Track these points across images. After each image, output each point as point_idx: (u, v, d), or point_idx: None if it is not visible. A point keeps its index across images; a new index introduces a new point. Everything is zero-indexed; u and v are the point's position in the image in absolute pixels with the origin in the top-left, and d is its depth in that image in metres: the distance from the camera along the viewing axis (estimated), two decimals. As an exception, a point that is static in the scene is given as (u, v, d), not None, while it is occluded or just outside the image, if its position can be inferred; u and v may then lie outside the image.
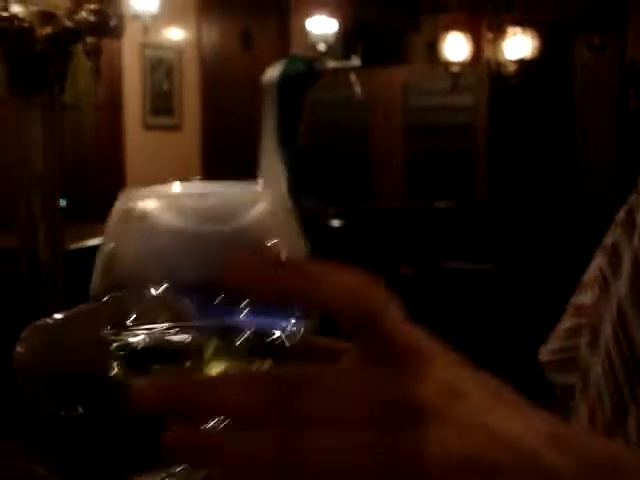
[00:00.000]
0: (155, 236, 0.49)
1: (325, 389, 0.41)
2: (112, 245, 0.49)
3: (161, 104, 5.95)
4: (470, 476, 0.40)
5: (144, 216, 0.49)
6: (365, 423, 0.40)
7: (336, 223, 4.66)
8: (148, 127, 5.86)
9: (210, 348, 0.48)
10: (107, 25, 1.37)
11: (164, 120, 5.93)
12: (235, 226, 0.51)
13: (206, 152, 6.17)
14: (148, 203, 0.51)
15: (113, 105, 5.49)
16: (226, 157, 5.85)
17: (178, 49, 6.07)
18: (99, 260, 0.50)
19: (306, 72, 2.28)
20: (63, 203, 1.44)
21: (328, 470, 0.40)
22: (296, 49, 6.26)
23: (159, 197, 0.53)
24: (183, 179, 0.53)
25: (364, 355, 0.42)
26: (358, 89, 3.62)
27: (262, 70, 2.03)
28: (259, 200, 0.52)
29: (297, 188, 3.83)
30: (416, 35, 6.81)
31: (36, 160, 1.42)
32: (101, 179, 5.12)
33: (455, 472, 0.39)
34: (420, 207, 5.56)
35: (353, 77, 3.43)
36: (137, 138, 5.78)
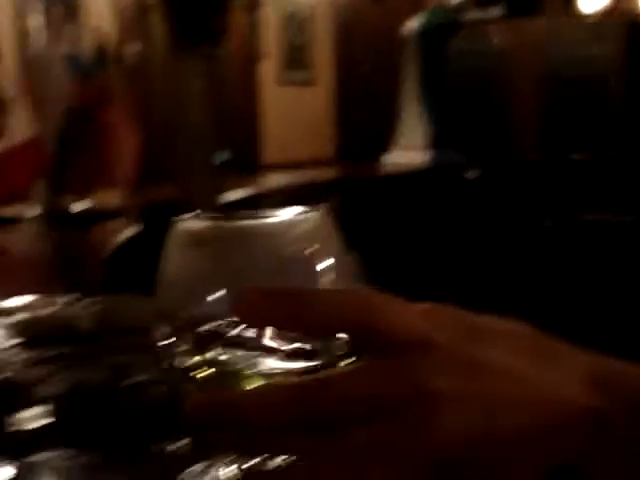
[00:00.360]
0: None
1: (338, 391, 0.43)
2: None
3: (295, 59, 6.00)
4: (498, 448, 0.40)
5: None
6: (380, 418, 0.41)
7: (474, 175, 4.62)
8: (282, 82, 5.92)
9: None
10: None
11: (298, 75, 5.99)
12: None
13: (340, 107, 6.19)
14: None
15: (249, 60, 5.57)
16: (360, 111, 5.86)
17: (311, 3, 6.09)
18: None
19: (447, 23, 2.28)
20: (223, 156, 1.51)
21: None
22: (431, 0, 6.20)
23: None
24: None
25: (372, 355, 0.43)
26: (497, 40, 3.58)
27: (396, 22, 2.04)
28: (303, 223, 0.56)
29: (437, 140, 3.82)
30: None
31: (197, 112, 1.48)
32: (237, 134, 5.22)
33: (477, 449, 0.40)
34: (557, 159, 5.45)
35: (493, 28, 3.39)
36: (271, 94, 5.85)
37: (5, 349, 0.78)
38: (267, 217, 0.55)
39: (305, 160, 5.56)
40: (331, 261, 0.55)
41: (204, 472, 0.61)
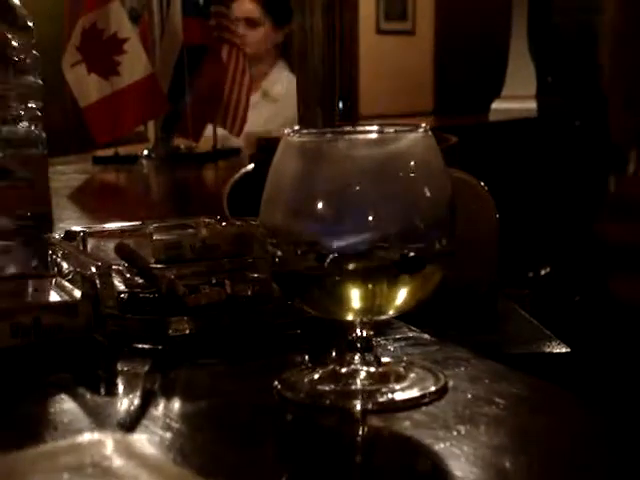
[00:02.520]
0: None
1: None
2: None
3: (395, 9, 5.94)
4: None
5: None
6: None
7: (579, 123, 4.53)
8: (381, 32, 5.87)
9: None
10: None
11: (397, 25, 5.93)
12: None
13: (439, 58, 6.12)
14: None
15: (348, 9, 5.54)
16: (460, 63, 5.79)
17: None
18: None
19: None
20: (340, 105, 1.51)
21: None
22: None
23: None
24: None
25: None
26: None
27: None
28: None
29: (545, 89, 3.76)
30: None
31: (317, 48, 1.49)
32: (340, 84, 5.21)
33: None
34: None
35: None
36: (370, 43, 5.81)
37: (155, 266, 0.80)
38: (372, 131, 0.60)
39: (403, 112, 5.53)
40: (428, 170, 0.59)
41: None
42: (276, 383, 0.62)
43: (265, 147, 1.80)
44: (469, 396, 0.60)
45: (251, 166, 1.53)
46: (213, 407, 0.60)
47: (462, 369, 0.65)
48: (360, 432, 0.57)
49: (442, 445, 0.53)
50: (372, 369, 0.62)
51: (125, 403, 0.61)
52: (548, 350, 0.78)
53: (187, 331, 0.72)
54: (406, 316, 0.68)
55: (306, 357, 0.70)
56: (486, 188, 0.99)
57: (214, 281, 0.79)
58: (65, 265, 0.87)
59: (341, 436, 0.56)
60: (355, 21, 5.75)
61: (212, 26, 2.72)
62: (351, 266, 0.58)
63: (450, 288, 0.65)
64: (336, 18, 1.60)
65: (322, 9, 1.55)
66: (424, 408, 0.58)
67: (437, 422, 0.56)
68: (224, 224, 0.99)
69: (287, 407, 0.60)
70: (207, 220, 1.00)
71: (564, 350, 0.76)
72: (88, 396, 0.63)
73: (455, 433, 0.54)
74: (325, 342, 0.69)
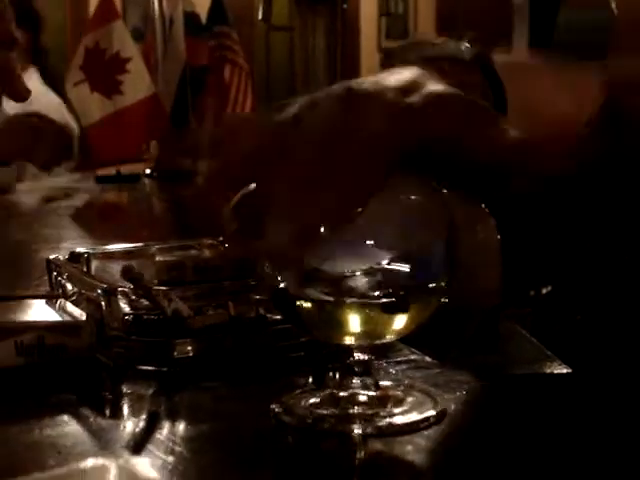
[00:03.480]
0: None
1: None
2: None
3: (396, 28, 5.98)
4: None
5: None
6: None
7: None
8: (383, 51, 5.91)
9: None
10: None
11: (399, 43, 5.97)
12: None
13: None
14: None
15: (350, 29, 5.58)
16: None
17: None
18: None
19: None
20: None
21: None
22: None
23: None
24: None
25: None
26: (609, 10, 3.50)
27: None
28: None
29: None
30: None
31: (318, 68, 1.50)
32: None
33: None
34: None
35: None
36: (372, 61, 5.85)
37: (158, 288, 0.80)
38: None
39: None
40: None
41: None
42: (273, 406, 0.63)
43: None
44: (469, 420, 0.60)
45: (252, 186, 1.53)
46: (216, 430, 0.61)
47: (463, 393, 0.65)
48: (359, 456, 0.57)
49: (442, 469, 0.53)
50: (371, 393, 0.62)
51: (129, 426, 0.62)
52: (549, 371, 0.78)
53: (191, 353, 0.73)
54: (407, 338, 0.68)
55: (309, 380, 0.70)
56: (487, 209, 0.99)
57: (217, 303, 0.79)
58: (69, 286, 0.87)
59: (340, 460, 0.56)
60: (357, 40, 5.80)
61: (214, 46, 2.73)
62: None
63: (451, 310, 0.66)
64: (337, 38, 1.62)
65: (324, 30, 1.57)
66: (424, 432, 0.58)
67: (437, 446, 0.56)
68: (227, 245, 0.99)
69: (288, 431, 0.60)
70: (210, 241, 1.01)
71: (565, 371, 0.77)
72: (92, 418, 0.63)
73: (455, 457, 0.54)
74: (327, 365, 0.69)
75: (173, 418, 0.64)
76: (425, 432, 0.58)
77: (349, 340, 0.61)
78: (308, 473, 0.54)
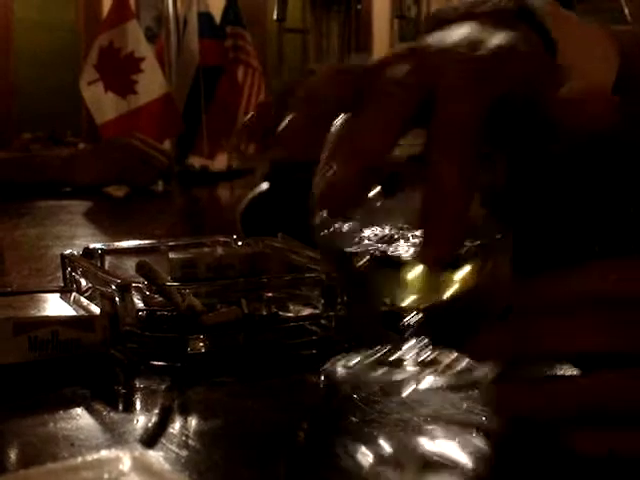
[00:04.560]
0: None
1: None
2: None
3: (409, 31, 5.98)
4: None
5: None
6: None
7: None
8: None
9: None
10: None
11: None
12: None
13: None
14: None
15: (365, 32, 5.59)
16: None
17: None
18: None
19: None
20: None
21: None
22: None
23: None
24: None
25: None
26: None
27: None
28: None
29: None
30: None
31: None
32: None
33: None
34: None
35: None
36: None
37: (172, 284, 0.81)
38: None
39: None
40: None
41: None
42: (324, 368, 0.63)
43: (280, 167, 1.81)
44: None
45: (265, 185, 1.54)
46: (229, 425, 0.61)
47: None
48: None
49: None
50: (423, 356, 0.64)
51: (142, 420, 0.62)
52: (561, 372, 0.78)
53: (204, 350, 0.73)
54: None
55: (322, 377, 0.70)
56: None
57: (229, 300, 0.80)
58: (84, 282, 0.88)
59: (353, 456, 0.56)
60: (370, 42, 5.78)
61: (228, 47, 2.74)
62: None
63: (468, 307, 0.66)
64: (351, 39, 1.62)
65: (337, 32, 1.57)
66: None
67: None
68: (240, 243, 1.00)
69: (301, 425, 0.61)
70: (223, 239, 1.01)
71: (575, 373, 0.77)
72: (105, 412, 0.64)
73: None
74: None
75: (186, 413, 0.64)
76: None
77: (410, 301, 0.62)
78: (320, 468, 0.54)
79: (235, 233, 1.11)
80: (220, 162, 2.68)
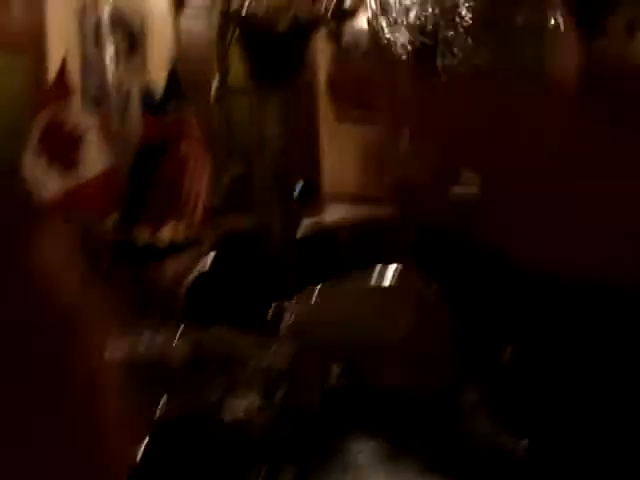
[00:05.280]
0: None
1: None
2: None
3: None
4: None
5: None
6: None
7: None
8: (341, 120, 5.93)
9: None
10: (346, 14, 1.44)
11: (358, 113, 6.00)
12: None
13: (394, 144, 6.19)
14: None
15: (310, 97, 5.61)
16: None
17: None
18: None
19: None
20: (298, 187, 1.53)
21: None
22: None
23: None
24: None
25: None
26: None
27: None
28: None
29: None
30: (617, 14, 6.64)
31: (274, 143, 1.51)
32: (303, 165, 5.25)
33: None
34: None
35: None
36: (330, 130, 5.86)
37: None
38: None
39: (364, 194, 5.56)
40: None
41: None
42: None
43: (227, 239, 1.80)
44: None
45: (209, 263, 1.52)
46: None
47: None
48: None
49: None
50: None
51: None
52: (507, 445, 0.78)
53: None
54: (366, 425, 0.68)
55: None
56: (439, 295, 0.99)
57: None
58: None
59: None
60: (315, 107, 5.80)
61: (170, 121, 2.74)
62: None
63: (409, 394, 0.66)
64: (294, 104, 1.64)
65: (279, 98, 1.58)
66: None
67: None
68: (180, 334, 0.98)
69: None
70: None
71: (523, 444, 0.77)
72: None
73: None
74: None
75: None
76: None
77: None
78: None
79: (180, 314, 1.10)
80: (165, 235, 2.65)
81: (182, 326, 1.00)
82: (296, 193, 1.62)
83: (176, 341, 0.94)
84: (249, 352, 0.83)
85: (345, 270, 1.28)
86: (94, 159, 2.59)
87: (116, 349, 0.95)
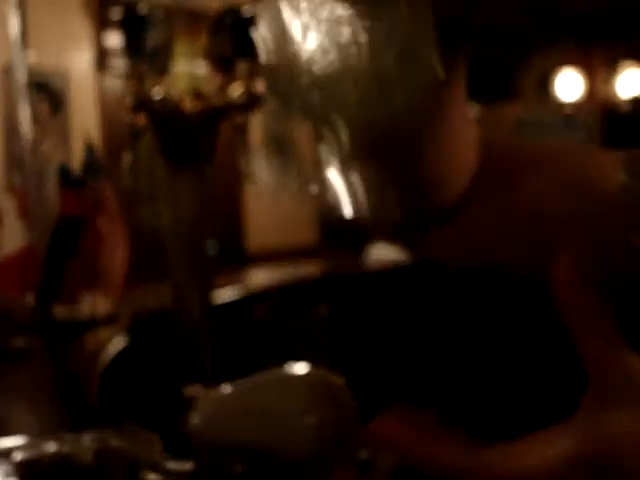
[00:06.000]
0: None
1: None
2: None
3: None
4: None
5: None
6: None
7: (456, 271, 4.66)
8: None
9: None
10: (255, 102, 1.47)
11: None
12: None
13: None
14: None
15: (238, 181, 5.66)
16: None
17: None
18: None
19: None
20: (212, 248, 1.56)
21: None
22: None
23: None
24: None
25: None
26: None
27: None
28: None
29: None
30: (527, 71, 6.82)
31: (184, 230, 1.54)
32: (222, 226, 5.28)
33: None
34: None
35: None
36: (260, 207, 5.85)
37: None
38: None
39: (290, 250, 5.60)
40: None
41: None
42: None
43: (140, 320, 1.80)
44: None
45: (123, 344, 1.50)
46: None
47: None
48: None
49: None
50: None
51: None
52: None
53: None
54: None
55: None
56: (345, 390, 1.00)
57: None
58: None
59: None
60: (238, 205, 5.76)
61: (89, 197, 2.74)
62: None
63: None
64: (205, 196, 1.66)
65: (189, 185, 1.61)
66: None
67: None
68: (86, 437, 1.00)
69: None
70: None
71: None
72: None
73: None
74: None
75: None
76: None
77: None
78: None
79: (91, 403, 1.10)
80: (84, 311, 2.66)
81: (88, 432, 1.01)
82: (211, 252, 1.63)
83: (81, 446, 0.96)
84: (153, 460, 0.85)
85: (261, 348, 1.31)
86: (10, 238, 2.59)
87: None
